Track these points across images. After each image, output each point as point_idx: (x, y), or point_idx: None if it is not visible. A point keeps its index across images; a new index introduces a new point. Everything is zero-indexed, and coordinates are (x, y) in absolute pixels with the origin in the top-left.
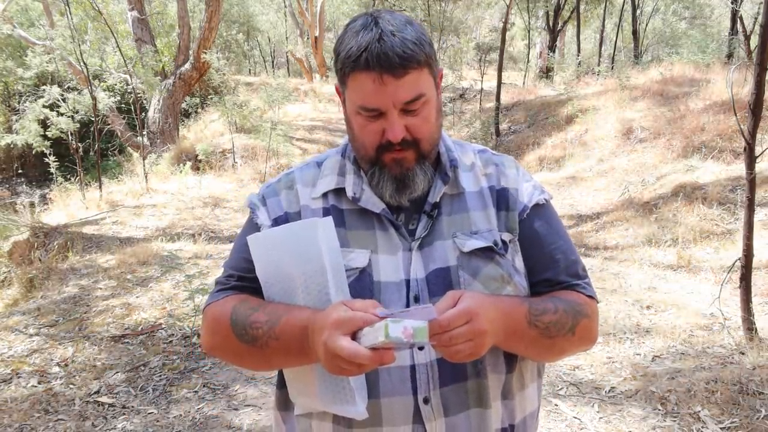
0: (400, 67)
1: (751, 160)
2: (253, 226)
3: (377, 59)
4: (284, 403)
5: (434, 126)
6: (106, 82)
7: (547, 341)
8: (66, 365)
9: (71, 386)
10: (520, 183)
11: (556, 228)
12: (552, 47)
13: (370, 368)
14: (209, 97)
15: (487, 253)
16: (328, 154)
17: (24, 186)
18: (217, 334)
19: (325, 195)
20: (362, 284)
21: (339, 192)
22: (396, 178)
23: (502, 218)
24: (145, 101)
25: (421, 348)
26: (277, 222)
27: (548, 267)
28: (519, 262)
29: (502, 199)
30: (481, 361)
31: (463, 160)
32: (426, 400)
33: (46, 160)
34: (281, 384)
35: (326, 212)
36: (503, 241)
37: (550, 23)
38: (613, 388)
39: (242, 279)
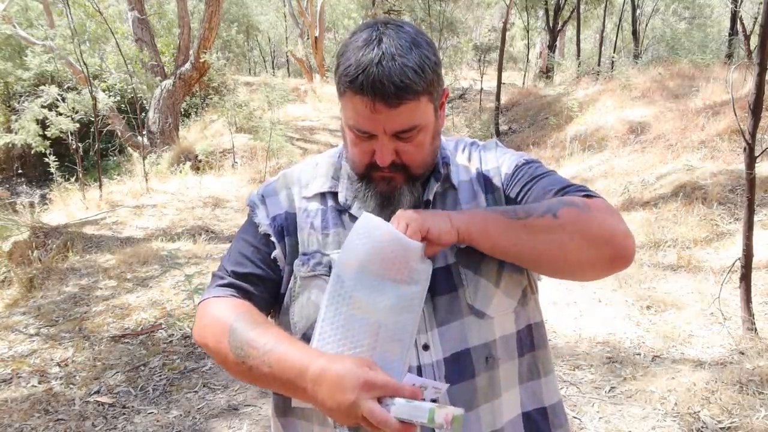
0: (394, 97)
1: (751, 160)
2: (252, 225)
3: (372, 85)
4: (283, 410)
5: (427, 151)
6: (105, 82)
7: (523, 224)
8: (66, 365)
9: (71, 386)
10: (499, 158)
11: (541, 171)
12: (552, 47)
13: None
14: (209, 97)
15: None
16: (326, 155)
17: (24, 186)
18: (210, 333)
19: (323, 196)
20: None
21: (336, 195)
22: (381, 195)
23: (490, 201)
24: (145, 101)
25: (426, 348)
26: (275, 220)
27: (539, 199)
28: None
29: (488, 182)
30: (492, 356)
31: (455, 155)
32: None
33: (46, 160)
34: None
35: (324, 214)
36: None
37: (550, 23)
38: (613, 388)
39: (237, 276)
